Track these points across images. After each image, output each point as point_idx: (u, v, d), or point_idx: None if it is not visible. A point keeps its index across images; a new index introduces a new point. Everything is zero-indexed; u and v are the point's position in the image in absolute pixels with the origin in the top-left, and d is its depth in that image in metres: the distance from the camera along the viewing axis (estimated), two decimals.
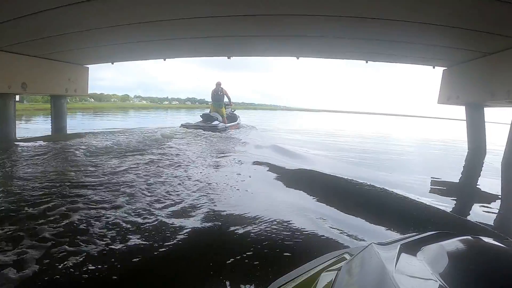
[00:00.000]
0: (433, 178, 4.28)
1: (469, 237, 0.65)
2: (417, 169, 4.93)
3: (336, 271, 0.61)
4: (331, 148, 6.93)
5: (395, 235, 1.95)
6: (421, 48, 4.63)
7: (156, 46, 5.35)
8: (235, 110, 10.40)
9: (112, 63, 7.06)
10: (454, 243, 0.61)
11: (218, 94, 9.09)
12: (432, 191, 3.54)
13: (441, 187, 3.79)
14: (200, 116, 8.88)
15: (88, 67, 7.22)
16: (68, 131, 7.21)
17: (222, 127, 8.40)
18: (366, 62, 6.21)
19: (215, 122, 8.37)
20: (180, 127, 8.09)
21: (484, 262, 0.54)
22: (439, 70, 6.14)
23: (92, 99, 48.13)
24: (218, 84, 9.14)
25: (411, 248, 0.61)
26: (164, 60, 6.58)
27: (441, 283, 0.47)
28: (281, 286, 0.74)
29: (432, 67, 6.02)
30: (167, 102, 59.81)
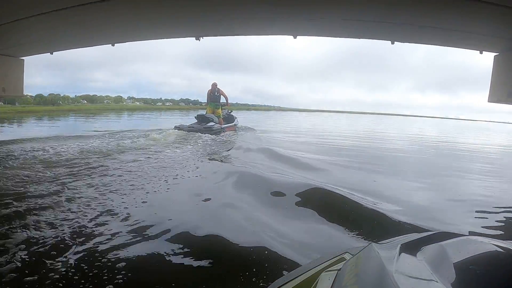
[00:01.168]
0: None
1: (469, 237, 0.65)
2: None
3: (336, 271, 0.61)
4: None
5: None
6: (472, 17, 3.17)
7: (100, 25, 4.04)
8: (232, 111, 10.22)
9: (51, 53, 5.63)
10: (453, 243, 0.61)
11: (215, 94, 9.04)
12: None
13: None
14: (195, 117, 8.70)
15: (23, 60, 5.59)
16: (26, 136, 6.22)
17: (218, 128, 8.24)
18: (392, 43, 4.54)
19: (211, 124, 8.21)
20: (174, 129, 7.92)
21: (483, 262, 0.55)
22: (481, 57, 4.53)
23: (85, 101, 47.64)
24: (214, 85, 9.10)
25: (411, 248, 0.60)
26: (113, 45, 5.26)
27: (440, 283, 0.47)
28: (281, 286, 0.73)
29: (479, 52, 4.46)
30: (161, 103, 59.22)
